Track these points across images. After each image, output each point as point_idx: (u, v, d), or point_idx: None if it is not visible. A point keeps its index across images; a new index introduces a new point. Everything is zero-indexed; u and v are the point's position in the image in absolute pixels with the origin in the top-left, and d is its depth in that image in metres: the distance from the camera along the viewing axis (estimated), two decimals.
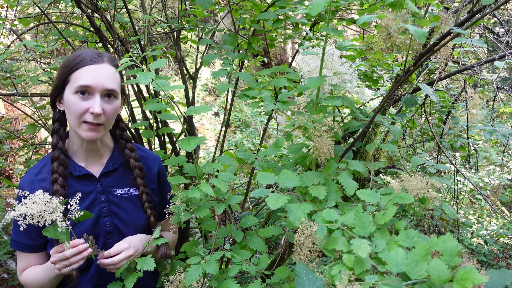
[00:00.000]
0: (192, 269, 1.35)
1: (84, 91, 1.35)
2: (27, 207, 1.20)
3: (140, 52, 2.56)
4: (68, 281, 1.43)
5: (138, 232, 1.51)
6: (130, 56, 1.30)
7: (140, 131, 2.35)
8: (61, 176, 1.41)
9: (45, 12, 2.41)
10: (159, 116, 1.50)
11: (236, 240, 1.54)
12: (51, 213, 1.22)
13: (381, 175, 2.91)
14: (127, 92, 2.35)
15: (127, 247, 1.40)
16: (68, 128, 1.49)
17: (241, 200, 1.51)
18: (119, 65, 1.43)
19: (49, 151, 1.56)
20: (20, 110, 2.85)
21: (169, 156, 2.04)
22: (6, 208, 3.84)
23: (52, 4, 3.00)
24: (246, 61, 2.38)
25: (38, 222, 1.21)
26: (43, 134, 4.58)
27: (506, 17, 3.22)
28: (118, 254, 1.39)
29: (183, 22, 2.54)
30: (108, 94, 1.38)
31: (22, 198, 1.23)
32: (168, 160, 1.56)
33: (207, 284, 1.43)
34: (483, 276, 0.84)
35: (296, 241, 1.13)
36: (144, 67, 1.29)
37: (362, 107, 2.88)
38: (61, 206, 1.24)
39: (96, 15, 2.28)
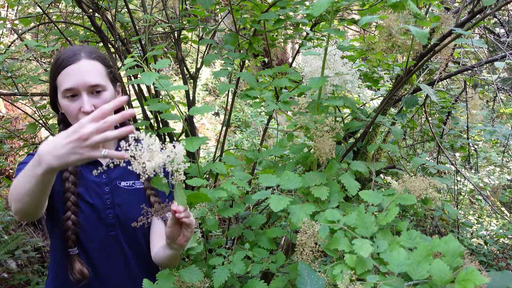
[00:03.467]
0: (218, 270, 1.34)
1: (70, 94, 1.35)
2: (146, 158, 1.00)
3: (140, 52, 2.56)
4: (79, 278, 1.41)
5: (141, 227, 1.49)
6: (133, 56, 1.30)
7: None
8: (72, 174, 1.42)
9: (46, 12, 2.41)
10: (161, 116, 1.50)
11: (248, 239, 1.55)
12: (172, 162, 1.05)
13: (381, 175, 2.92)
14: (126, 89, 2.35)
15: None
16: None
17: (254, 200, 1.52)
18: (102, 55, 1.43)
19: None
20: (21, 109, 2.85)
21: None
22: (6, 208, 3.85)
23: (53, 4, 3.00)
24: (246, 61, 2.39)
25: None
26: (44, 133, 4.58)
27: (507, 17, 3.23)
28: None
29: (184, 22, 2.54)
30: (94, 89, 1.37)
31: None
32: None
33: (206, 285, 1.42)
34: (485, 277, 0.84)
35: (299, 241, 1.13)
36: (146, 67, 1.29)
37: (362, 107, 2.88)
38: (183, 157, 1.07)
39: (97, 14, 2.28)
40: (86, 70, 1.36)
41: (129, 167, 1.05)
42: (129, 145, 1.02)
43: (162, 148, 1.07)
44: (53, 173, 1.06)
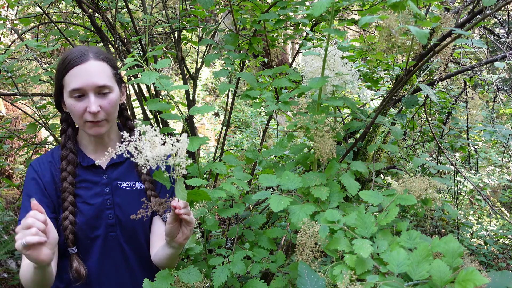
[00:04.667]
0: (218, 270, 1.33)
1: (78, 93, 1.36)
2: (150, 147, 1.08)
3: (140, 52, 2.57)
4: (76, 277, 1.41)
5: (141, 228, 1.50)
6: (133, 56, 1.30)
7: None
8: (70, 175, 1.42)
9: (46, 12, 2.41)
10: (161, 116, 1.50)
11: (248, 239, 1.55)
12: (174, 156, 1.12)
13: (381, 175, 2.92)
14: (127, 89, 2.35)
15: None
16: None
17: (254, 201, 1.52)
18: (109, 56, 1.44)
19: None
20: (21, 109, 2.85)
21: None
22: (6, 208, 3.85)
23: (53, 4, 3.00)
24: (246, 61, 2.39)
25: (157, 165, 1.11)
26: (44, 133, 4.58)
27: (507, 17, 3.23)
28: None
29: (184, 22, 2.54)
30: (101, 90, 1.38)
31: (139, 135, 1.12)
32: None
33: (206, 285, 1.42)
34: (485, 278, 0.84)
35: (299, 241, 1.13)
36: (146, 67, 1.29)
37: (362, 108, 2.88)
38: (185, 150, 1.14)
39: (97, 14, 2.29)
40: (94, 71, 1.37)
41: (131, 159, 1.11)
42: (130, 136, 1.11)
43: (164, 142, 1.10)
44: (39, 268, 1.21)
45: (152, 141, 1.10)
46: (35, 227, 1.09)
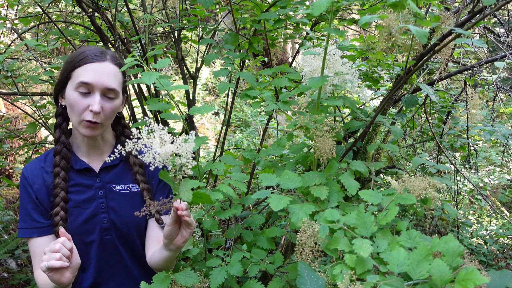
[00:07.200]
0: (215, 272, 1.33)
1: (85, 88, 1.35)
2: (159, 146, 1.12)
3: (140, 51, 2.57)
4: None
5: (136, 231, 1.49)
6: (133, 56, 1.30)
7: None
8: (63, 170, 1.41)
9: (46, 11, 2.41)
10: (161, 116, 1.50)
11: (247, 240, 1.55)
12: (181, 156, 1.15)
13: (381, 175, 2.92)
14: (127, 91, 2.35)
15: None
16: (71, 125, 1.49)
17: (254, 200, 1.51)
18: (123, 64, 1.44)
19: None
20: (21, 109, 2.85)
21: None
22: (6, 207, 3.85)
23: (53, 3, 3.00)
24: (246, 61, 2.38)
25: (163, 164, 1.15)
26: (43, 133, 4.58)
27: (507, 17, 3.23)
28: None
29: (184, 22, 2.54)
30: (108, 93, 1.38)
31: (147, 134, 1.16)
32: None
33: (206, 285, 1.42)
34: (485, 277, 0.84)
35: (298, 241, 1.13)
36: (146, 66, 1.29)
37: (362, 107, 2.88)
38: (191, 151, 1.17)
39: (97, 14, 2.29)
40: (108, 72, 1.37)
41: (139, 156, 1.16)
42: (139, 133, 1.16)
43: (172, 141, 1.15)
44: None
45: (161, 139, 1.14)
46: (60, 253, 1.19)
